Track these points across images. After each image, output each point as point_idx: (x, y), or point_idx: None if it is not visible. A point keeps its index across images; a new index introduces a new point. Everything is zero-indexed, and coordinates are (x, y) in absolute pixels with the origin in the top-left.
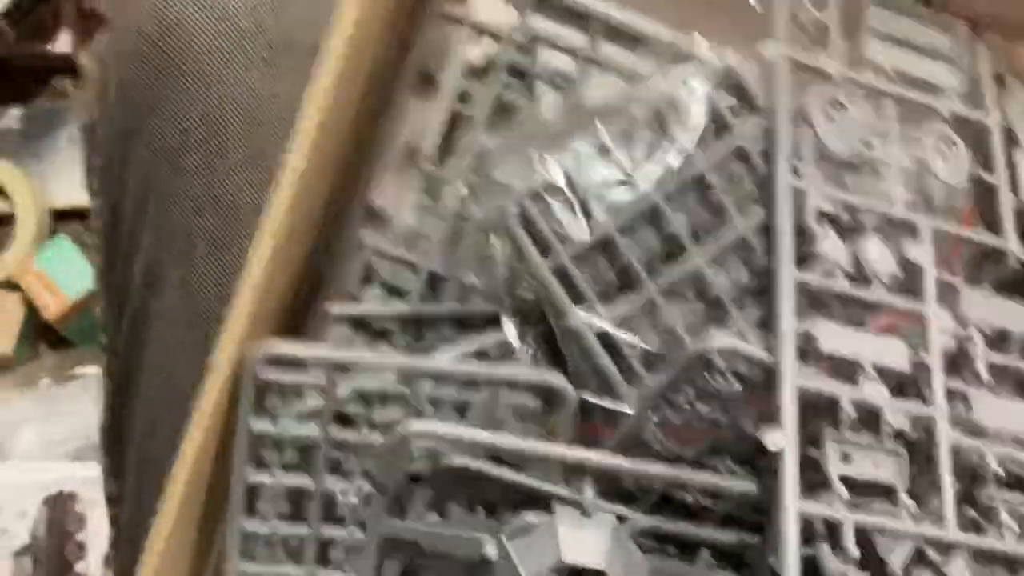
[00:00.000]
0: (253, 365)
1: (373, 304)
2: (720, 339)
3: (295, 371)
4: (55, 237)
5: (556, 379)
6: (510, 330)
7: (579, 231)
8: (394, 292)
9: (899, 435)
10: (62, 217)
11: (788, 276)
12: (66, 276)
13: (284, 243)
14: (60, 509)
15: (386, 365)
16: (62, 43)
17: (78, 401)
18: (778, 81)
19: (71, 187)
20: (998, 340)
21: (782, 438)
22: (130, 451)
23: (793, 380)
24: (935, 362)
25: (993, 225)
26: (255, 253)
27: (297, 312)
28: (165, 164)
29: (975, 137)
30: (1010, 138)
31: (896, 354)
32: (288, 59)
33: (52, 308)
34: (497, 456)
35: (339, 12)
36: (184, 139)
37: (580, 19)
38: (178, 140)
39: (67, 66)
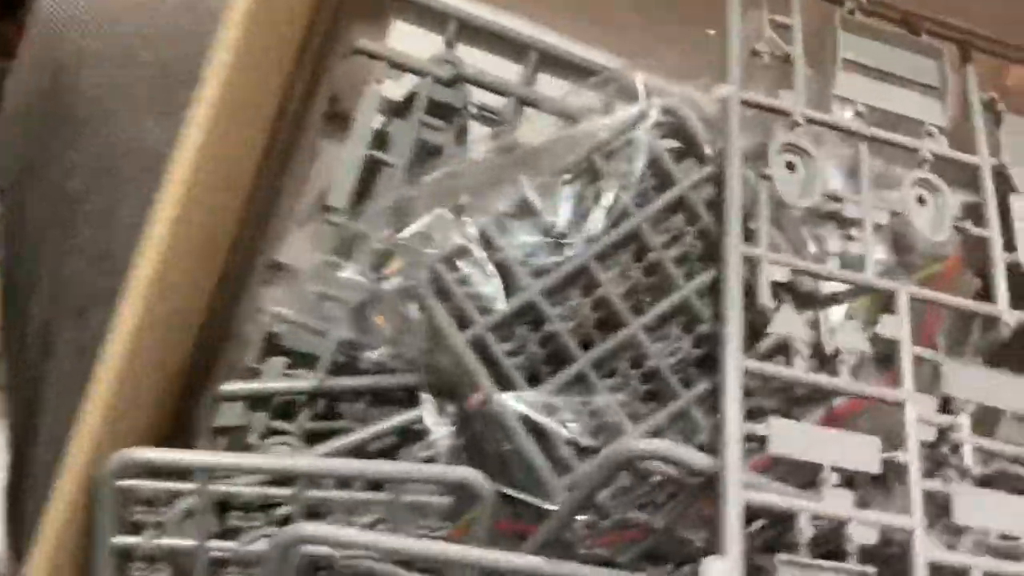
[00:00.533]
0: (110, 475)
1: (273, 379)
2: (647, 442)
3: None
4: None
5: (469, 475)
6: (428, 407)
7: (499, 299)
8: (302, 362)
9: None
10: None
11: (736, 369)
12: None
13: (150, 322)
14: None
15: (266, 469)
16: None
17: None
18: (730, 127)
19: None
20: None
21: (724, 569)
22: (28, 521)
23: (739, 495)
24: (912, 461)
25: (983, 275)
26: (111, 336)
27: (190, 390)
28: (59, 214)
29: (964, 177)
30: (1003, 179)
31: (864, 455)
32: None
33: None
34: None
35: (219, 36)
36: (77, 189)
37: (514, 48)
38: (73, 189)
39: None
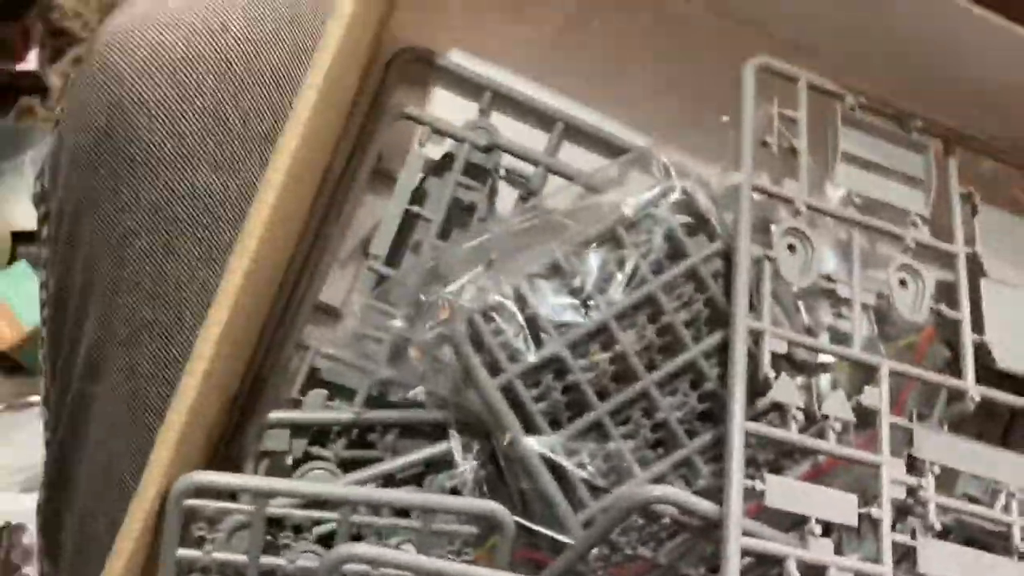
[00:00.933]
0: (178, 496)
1: (314, 410)
2: (662, 488)
3: (222, 497)
4: (15, 263)
5: (495, 507)
6: (456, 443)
7: (528, 351)
8: (339, 395)
9: None
10: (22, 239)
11: (739, 432)
12: (23, 303)
13: (222, 357)
14: (7, 541)
15: (314, 494)
16: (30, 61)
17: (31, 430)
18: (741, 211)
19: (34, 209)
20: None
21: None
22: (66, 535)
23: (738, 540)
24: (885, 518)
25: (952, 347)
26: (188, 371)
27: (239, 414)
28: (111, 250)
29: (941, 256)
30: (976, 263)
31: (845, 510)
32: (245, 154)
33: (7, 336)
34: None
35: (295, 109)
36: (131, 228)
37: (542, 118)
38: (125, 228)
39: (35, 85)
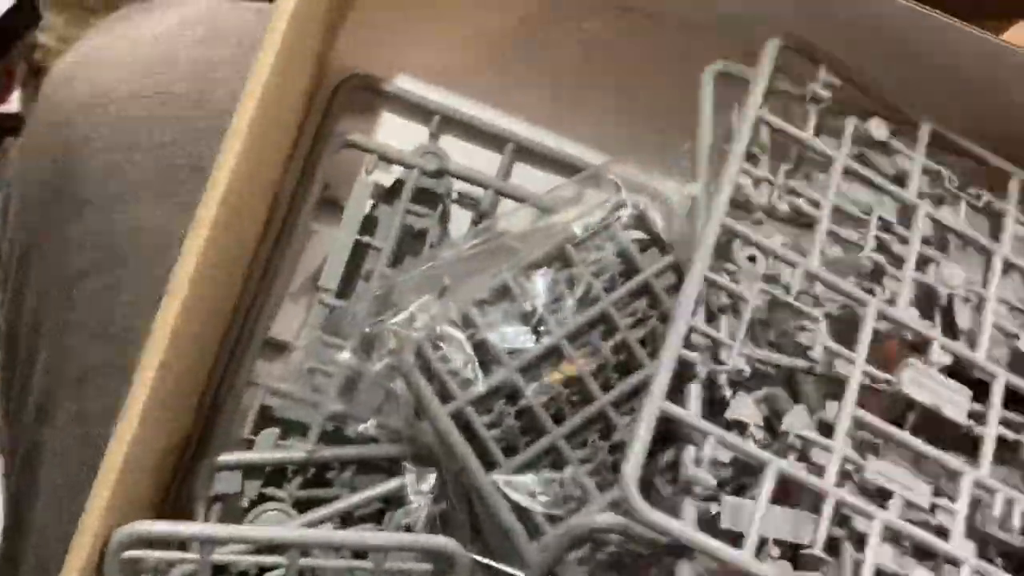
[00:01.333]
0: (116, 547)
1: (266, 450)
2: (604, 516)
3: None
4: None
5: (448, 543)
6: (410, 478)
7: (478, 378)
8: (293, 431)
9: None
10: None
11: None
12: None
13: (157, 401)
14: None
15: (261, 539)
16: (12, 103)
17: None
18: (697, 224)
19: None
20: None
21: None
22: None
23: (692, 567)
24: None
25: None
26: (122, 415)
27: (192, 455)
28: (60, 290)
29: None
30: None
31: (804, 530)
32: (193, 189)
33: None
34: None
35: (230, 133)
36: (80, 268)
37: (493, 140)
38: (74, 267)
39: (18, 127)
